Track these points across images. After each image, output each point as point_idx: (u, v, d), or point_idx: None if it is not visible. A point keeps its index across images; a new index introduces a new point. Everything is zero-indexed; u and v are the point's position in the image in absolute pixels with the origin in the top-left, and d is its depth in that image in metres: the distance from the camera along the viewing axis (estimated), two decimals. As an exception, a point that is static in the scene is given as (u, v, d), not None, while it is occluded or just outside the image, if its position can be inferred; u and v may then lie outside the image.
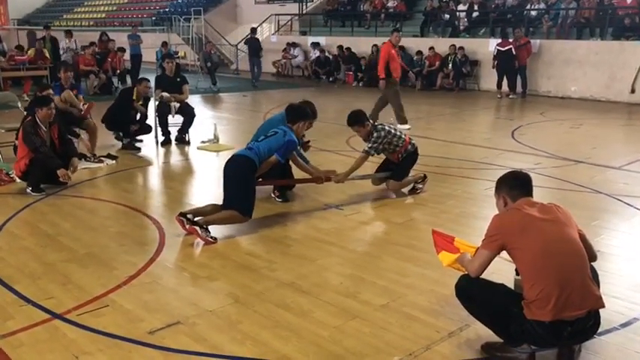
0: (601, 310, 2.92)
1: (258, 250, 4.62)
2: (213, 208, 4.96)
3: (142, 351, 3.12)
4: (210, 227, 4.75)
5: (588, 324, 2.86)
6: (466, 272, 3.14)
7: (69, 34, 16.25)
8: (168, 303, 3.68)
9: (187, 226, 4.70)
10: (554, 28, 15.40)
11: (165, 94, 8.57)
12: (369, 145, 5.80)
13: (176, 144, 8.76)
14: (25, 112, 6.77)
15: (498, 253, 2.99)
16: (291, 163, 5.59)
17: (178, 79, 8.92)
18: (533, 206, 2.98)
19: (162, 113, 8.63)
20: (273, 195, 5.89)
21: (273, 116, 6.32)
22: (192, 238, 4.73)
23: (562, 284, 2.78)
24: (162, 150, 8.51)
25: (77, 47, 15.82)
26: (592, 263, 3.01)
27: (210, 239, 4.67)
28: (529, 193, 3.07)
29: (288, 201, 5.83)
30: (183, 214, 4.75)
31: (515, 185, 3.08)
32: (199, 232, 4.66)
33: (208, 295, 3.80)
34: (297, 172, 5.84)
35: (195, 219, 4.74)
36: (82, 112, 7.75)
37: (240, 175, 4.99)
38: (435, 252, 3.57)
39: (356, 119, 5.88)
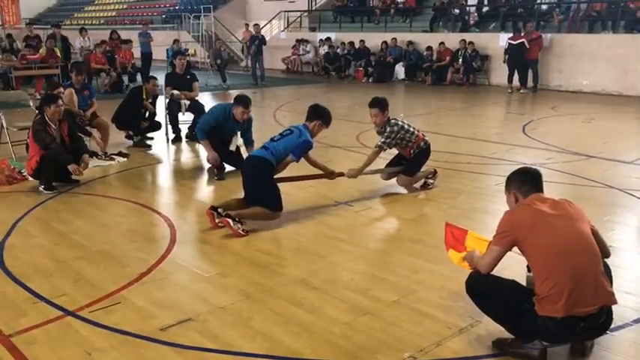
0: (613, 306, 2.90)
1: (269, 247, 4.63)
2: (238, 202, 5.05)
3: (153, 347, 3.14)
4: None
5: (600, 320, 2.84)
6: (474, 269, 3.14)
7: (84, 31, 16.33)
8: (180, 300, 3.70)
9: (217, 220, 4.77)
10: (565, 22, 15.29)
11: (175, 91, 8.59)
12: (382, 139, 5.80)
13: (186, 141, 8.77)
14: (37, 111, 6.81)
15: (509, 249, 2.98)
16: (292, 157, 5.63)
17: (188, 77, 8.92)
18: (545, 202, 2.96)
19: (173, 111, 8.66)
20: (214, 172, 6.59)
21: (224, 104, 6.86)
22: (203, 235, 4.76)
23: (574, 280, 2.77)
24: (172, 147, 8.54)
25: (91, 45, 15.87)
26: (605, 259, 2.99)
27: (241, 232, 4.73)
28: (540, 189, 3.06)
29: (223, 179, 6.42)
30: (214, 208, 4.83)
31: (525, 181, 3.07)
32: (231, 224, 4.72)
33: (219, 292, 3.81)
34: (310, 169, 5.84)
35: (226, 212, 4.82)
36: (83, 120, 7.59)
37: (259, 177, 5.08)
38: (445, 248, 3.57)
39: (379, 102, 5.84)
